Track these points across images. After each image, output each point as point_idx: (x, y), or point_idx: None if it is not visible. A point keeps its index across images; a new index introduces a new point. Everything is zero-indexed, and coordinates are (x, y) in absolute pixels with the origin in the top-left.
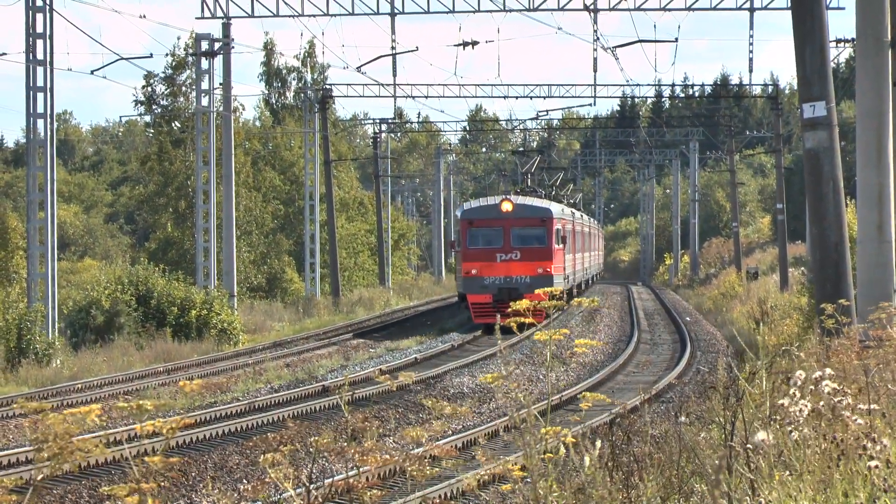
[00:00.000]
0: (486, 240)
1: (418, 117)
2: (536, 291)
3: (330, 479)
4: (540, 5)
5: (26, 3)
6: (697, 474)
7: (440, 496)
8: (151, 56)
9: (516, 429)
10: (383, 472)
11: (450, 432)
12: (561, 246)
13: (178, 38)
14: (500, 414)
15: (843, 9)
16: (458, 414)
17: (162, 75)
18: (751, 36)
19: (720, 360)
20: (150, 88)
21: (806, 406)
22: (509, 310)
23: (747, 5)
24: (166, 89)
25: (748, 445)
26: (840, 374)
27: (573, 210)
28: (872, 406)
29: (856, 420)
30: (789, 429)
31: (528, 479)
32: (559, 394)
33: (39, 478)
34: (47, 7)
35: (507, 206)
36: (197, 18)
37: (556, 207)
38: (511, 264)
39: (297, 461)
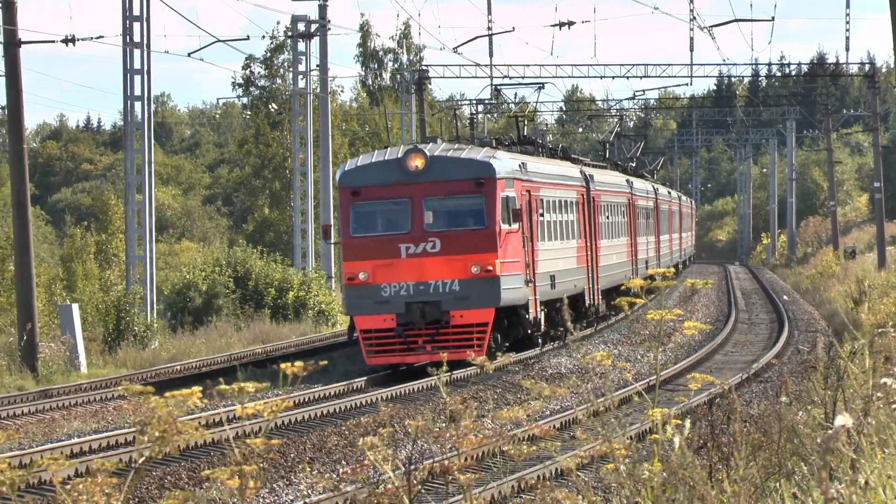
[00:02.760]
0: (382, 221)
1: (514, 98)
2: (473, 310)
3: (428, 461)
4: None
5: None
6: (797, 454)
7: (537, 477)
8: (248, 38)
9: (610, 411)
10: (480, 453)
11: (548, 412)
12: (516, 226)
13: (278, 23)
14: (601, 394)
15: None
16: (556, 395)
17: (260, 58)
18: (847, 14)
19: (819, 339)
20: (248, 70)
21: None
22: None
23: None
24: (264, 71)
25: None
26: None
27: (644, 182)
28: None
29: None
30: (893, 407)
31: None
32: (657, 374)
33: (141, 460)
34: None
35: (416, 162)
36: (294, 0)
37: (505, 161)
38: (425, 261)
39: (396, 442)
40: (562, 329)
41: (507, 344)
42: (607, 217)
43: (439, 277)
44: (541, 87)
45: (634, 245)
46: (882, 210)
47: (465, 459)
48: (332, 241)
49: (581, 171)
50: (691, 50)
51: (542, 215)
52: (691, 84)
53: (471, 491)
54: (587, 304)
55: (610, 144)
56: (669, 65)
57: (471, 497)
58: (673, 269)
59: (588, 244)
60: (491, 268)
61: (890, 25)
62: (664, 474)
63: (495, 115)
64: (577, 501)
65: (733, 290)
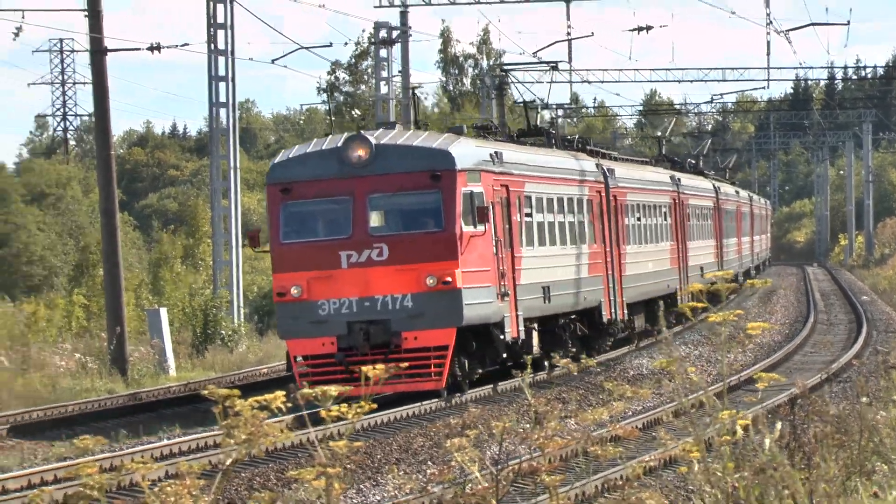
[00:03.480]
0: (318, 224)
1: (594, 102)
2: (429, 330)
3: (515, 461)
4: None
5: None
6: (878, 453)
7: (619, 477)
8: (331, 45)
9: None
10: (566, 453)
11: (630, 413)
12: (483, 228)
13: (363, 31)
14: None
15: None
16: (638, 396)
17: (345, 63)
18: None
19: None
20: (333, 76)
21: None
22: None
23: None
24: (349, 77)
25: None
26: None
27: (702, 179)
28: None
29: None
30: None
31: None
32: (737, 375)
33: (228, 462)
34: None
35: (358, 152)
36: (375, 7)
37: (468, 149)
38: (371, 272)
39: (481, 443)
40: (561, 351)
41: (480, 371)
42: (638, 218)
43: (388, 292)
44: (553, 66)
45: (683, 250)
46: None
47: (550, 461)
48: (260, 248)
49: (598, 166)
50: (768, 54)
51: (528, 215)
52: (768, 87)
53: (557, 491)
54: (606, 320)
55: (667, 141)
56: (747, 69)
57: (557, 496)
58: (732, 272)
59: (607, 249)
60: (450, 279)
61: None
62: (749, 475)
63: (574, 119)
64: (661, 501)
65: (812, 291)
